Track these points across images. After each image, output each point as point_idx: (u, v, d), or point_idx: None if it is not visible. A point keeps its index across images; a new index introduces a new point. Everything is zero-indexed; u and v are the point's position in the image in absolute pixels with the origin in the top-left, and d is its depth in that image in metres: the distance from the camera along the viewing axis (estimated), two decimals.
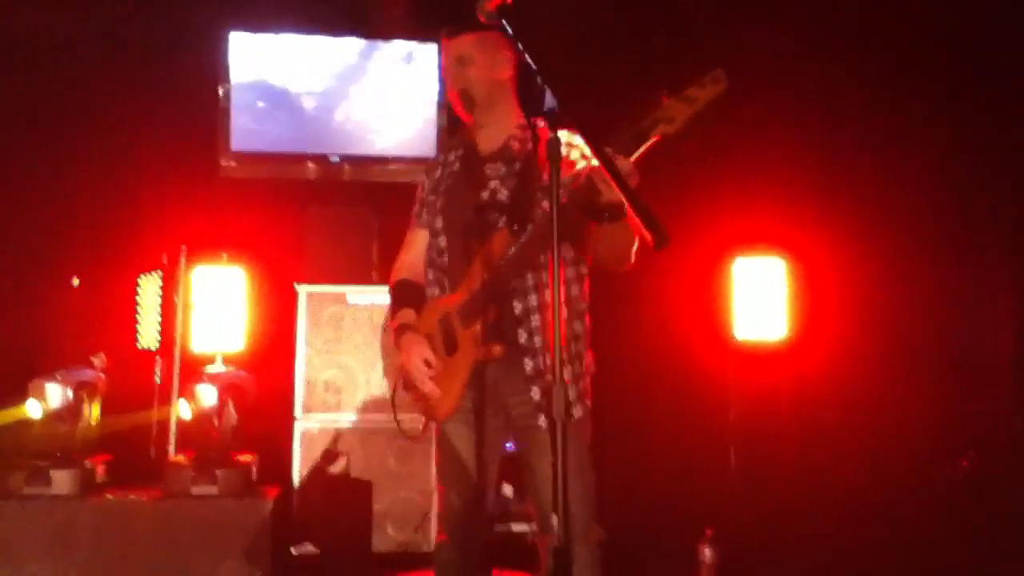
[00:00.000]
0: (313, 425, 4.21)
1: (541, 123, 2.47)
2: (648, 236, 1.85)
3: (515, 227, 2.34)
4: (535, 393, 2.37)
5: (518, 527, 4.19)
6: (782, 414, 4.25)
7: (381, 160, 5.03)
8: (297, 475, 4.12)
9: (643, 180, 2.16)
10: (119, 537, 3.45)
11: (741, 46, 4.51)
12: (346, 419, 4.23)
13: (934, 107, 4.27)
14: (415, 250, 2.64)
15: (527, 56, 2.04)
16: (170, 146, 4.79)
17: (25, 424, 3.65)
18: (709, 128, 2.16)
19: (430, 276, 2.56)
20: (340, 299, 4.37)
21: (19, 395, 3.63)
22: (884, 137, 4.37)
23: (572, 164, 2.41)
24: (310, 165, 4.97)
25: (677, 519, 3.89)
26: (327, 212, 4.99)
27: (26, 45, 4.65)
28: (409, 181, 5.00)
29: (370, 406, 4.25)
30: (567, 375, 2.32)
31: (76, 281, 4.33)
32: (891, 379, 4.00)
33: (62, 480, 3.51)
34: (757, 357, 4.24)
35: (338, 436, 4.19)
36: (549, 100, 2.03)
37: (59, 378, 3.61)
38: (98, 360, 3.96)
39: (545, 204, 2.35)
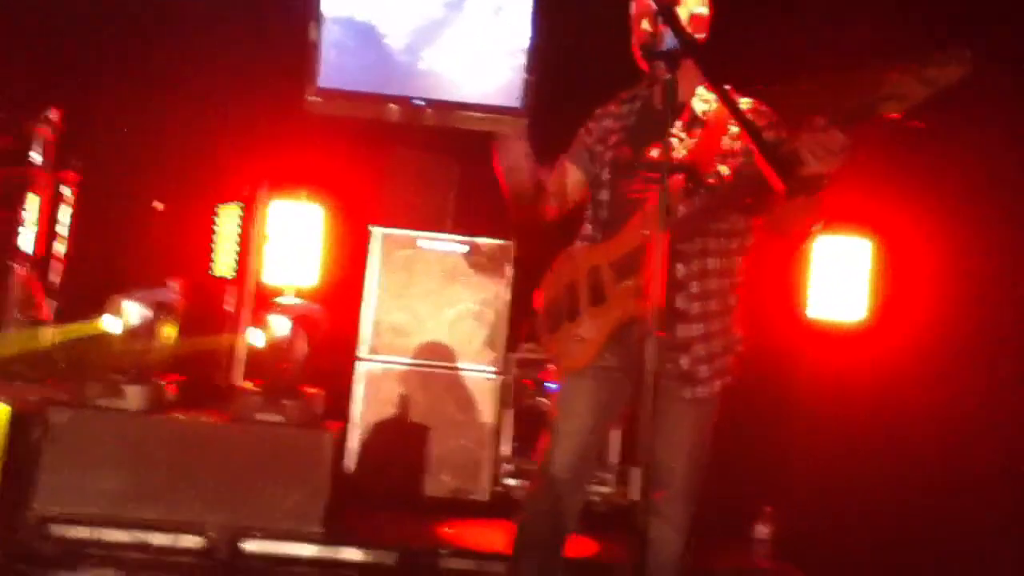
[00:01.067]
0: (377, 366, 4.24)
1: (729, 87, 2.37)
2: (780, 184, 1.81)
3: (689, 188, 2.28)
4: (684, 362, 2.31)
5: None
6: (854, 397, 4.12)
7: (465, 107, 4.97)
8: (358, 413, 4.17)
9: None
10: (185, 455, 3.52)
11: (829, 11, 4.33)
12: (410, 362, 4.25)
13: None
14: (555, 175, 2.57)
15: None
16: (257, 79, 4.81)
17: (103, 338, 3.74)
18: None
19: (585, 227, 2.50)
20: (413, 243, 4.38)
21: (99, 310, 3.73)
22: (981, 109, 4.16)
23: (766, 128, 2.30)
24: (393, 107, 4.94)
25: (738, 496, 3.83)
26: (407, 155, 4.98)
27: None
28: (492, 131, 5.00)
29: (434, 351, 4.27)
30: (715, 347, 2.34)
31: (159, 205, 4.42)
32: (976, 368, 3.85)
33: (134, 395, 3.59)
34: (832, 338, 4.12)
35: (401, 379, 4.22)
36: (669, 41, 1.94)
37: (138, 297, 3.69)
38: (175, 284, 4.03)
39: (723, 169, 2.31)
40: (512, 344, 4.27)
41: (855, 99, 1.91)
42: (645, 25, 2.32)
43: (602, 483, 4.10)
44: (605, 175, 2.45)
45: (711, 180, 2.30)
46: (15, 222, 4.19)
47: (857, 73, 1.95)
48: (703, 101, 2.40)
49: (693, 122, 2.37)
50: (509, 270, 4.31)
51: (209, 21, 4.78)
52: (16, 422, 3.36)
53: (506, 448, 4.21)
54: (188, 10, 4.79)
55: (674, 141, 2.34)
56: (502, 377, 4.25)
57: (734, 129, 2.33)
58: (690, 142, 2.35)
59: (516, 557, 2.47)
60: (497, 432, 4.21)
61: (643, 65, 2.39)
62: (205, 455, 3.52)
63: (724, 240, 2.36)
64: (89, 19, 4.66)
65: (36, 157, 4.23)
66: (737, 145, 2.34)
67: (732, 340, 2.38)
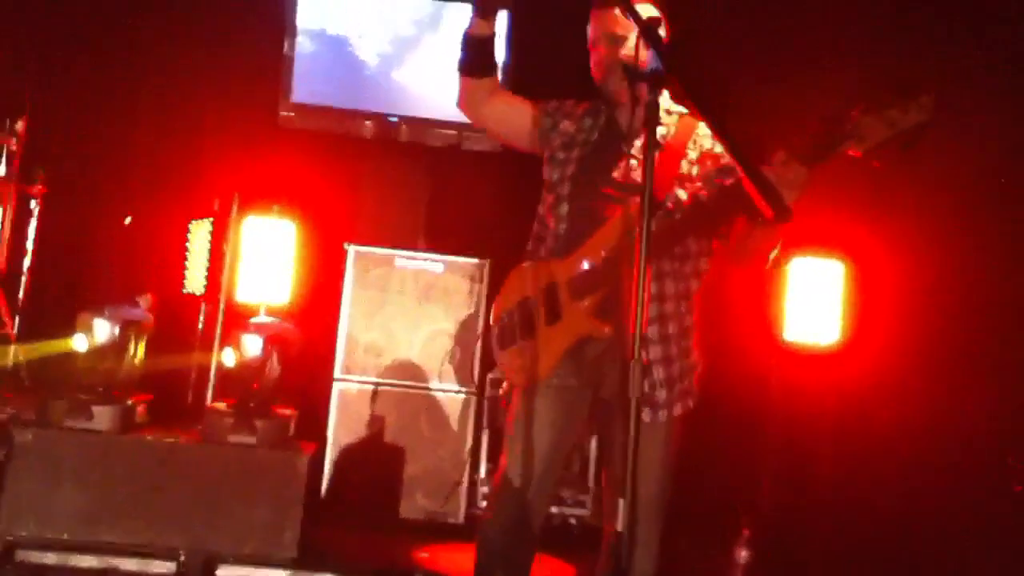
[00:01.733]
0: (351, 386, 4.19)
1: (684, 109, 2.43)
2: (767, 209, 1.81)
3: (646, 212, 2.27)
4: (643, 386, 2.29)
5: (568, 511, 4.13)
6: (827, 419, 4.16)
7: (440, 124, 4.96)
8: (332, 434, 4.12)
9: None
10: (154, 477, 3.44)
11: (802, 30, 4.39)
12: (384, 382, 4.20)
13: (1003, 102, 4.13)
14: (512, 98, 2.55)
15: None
16: (230, 93, 4.77)
17: (71, 357, 3.66)
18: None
19: (542, 237, 2.48)
20: (388, 261, 4.34)
21: (67, 328, 3.64)
22: (954, 134, 4.23)
23: (717, 157, 2.34)
24: (367, 123, 4.92)
25: (713, 515, 3.84)
26: (381, 172, 4.96)
27: None
28: (467, 148, 5.00)
29: (409, 371, 4.23)
30: (674, 370, 2.33)
31: (128, 220, 4.33)
32: (948, 390, 3.90)
33: (102, 416, 3.51)
34: (806, 360, 4.15)
35: (375, 399, 4.17)
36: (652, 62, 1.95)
37: (107, 314, 3.61)
38: (144, 300, 3.95)
39: (681, 193, 2.32)
40: (487, 364, 4.24)
41: (817, 135, 1.94)
42: (629, 46, 2.31)
43: (580, 505, 4.08)
44: (565, 188, 2.43)
45: (669, 204, 2.30)
46: None
47: (830, 112, 1.97)
48: (663, 124, 2.41)
49: (653, 143, 2.38)
50: (484, 289, 4.29)
51: (181, 33, 4.73)
52: None
53: (482, 469, 4.18)
54: (160, 20, 4.73)
55: (632, 163, 2.36)
56: (477, 397, 4.22)
57: (692, 155, 2.36)
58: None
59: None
60: (473, 453, 4.18)
61: (611, 83, 2.39)
62: (175, 477, 3.44)
63: (679, 263, 2.36)
64: (56, 28, 4.58)
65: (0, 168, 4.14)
66: (696, 170, 2.35)
67: (691, 364, 2.38)
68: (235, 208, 4.33)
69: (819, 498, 4.08)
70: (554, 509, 4.05)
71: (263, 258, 4.20)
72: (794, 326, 4.19)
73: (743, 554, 3.41)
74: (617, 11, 2.32)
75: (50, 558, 3.26)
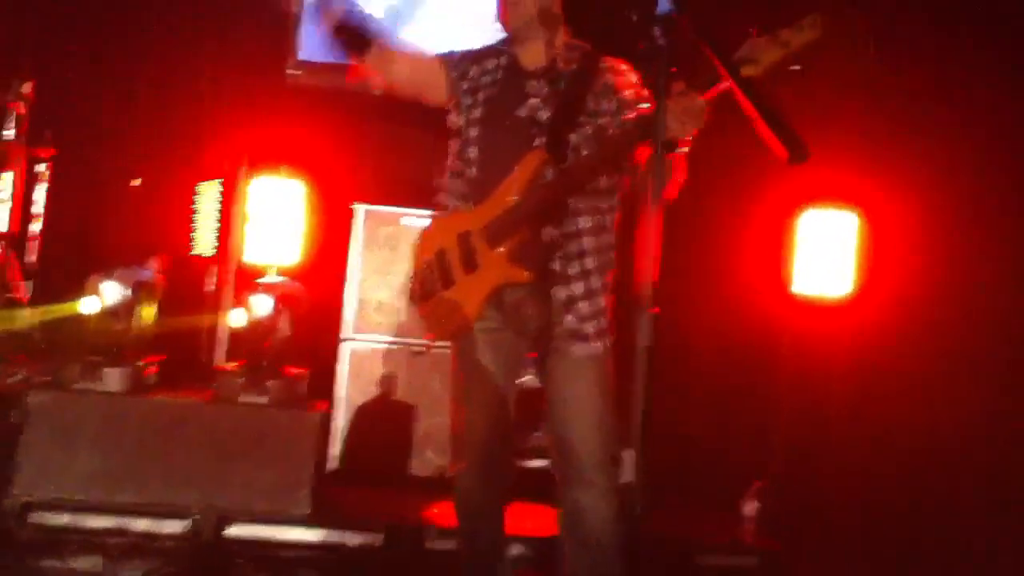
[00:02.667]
0: (361, 345, 4.19)
1: (585, 45, 2.46)
2: (783, 151, 1.80)
3: (555, 150, 2.30)
4: (570, 321, 2.33)
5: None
6: (840, 371, 4.13)
7: None
8: (342, 393, 4.13)
9: (713, 119, 2.09)
10: (165, 437, 3.47)
11: None
12: (394, 341, 4.20)
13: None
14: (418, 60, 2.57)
15: None
16: (237, 52, 4.72)
17: (81, 319, 3.68)
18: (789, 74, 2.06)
19: (453, 186, 2.47)
20: (396, 220, 4.31)
21: (78, 291, 3.66)
22: (972, 83, 4.13)
23: (618, 91, 2.37)
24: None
25: (724, 470, 3.84)
26: (387, 130, 4.91)
27: None
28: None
29: (418, 329, 4.21)
30: (599, 304, 2.36)
31: (137, 181, 4.33)
32: (961, 340, 3.85)
33: (113, 377, 3.54)
34: (818, 312, 4.11)
35: (385, 357, 4.17)
36: (663, 4, 1.92)
37: (116, 276, 3.62)
38: (154, 262, 3.96)
39: (588, 129, 2.33)
40: None
41: (714, 62, 1.93)
42: None
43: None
44: (472, 133, 2.42)
45: (576, 140, 2.32)
46: None
47: (723, 38, 1.96)
48: (563, 60, 2.42)
49: (556, 80, 2.38)
50: None
51: None
52: None
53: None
54: None
55: (536, 101, 2.37)
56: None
57: (598, 89, 2.37)
58: (555, 102, 2.36)
59: (460, 531, 2.52)
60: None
61: (505, 22, 2.44)
62: (187, 437, 3.47)
63: (592, 199, 2.37)
64: None
65: (8, 132, 4.13)
66: (604, 105, 2.37)
67: (607, 303, 2.41)
68: (243, 169, 4.32)
69: (832, 449, 4.07)
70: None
71: (272, 219, 4.18)
72: (806, 278, 4.15)
73: (755, 505, 3.41)
74: None
75: (64, 519, 3.31)
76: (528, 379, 2.54)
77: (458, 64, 2.52)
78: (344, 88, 4.80)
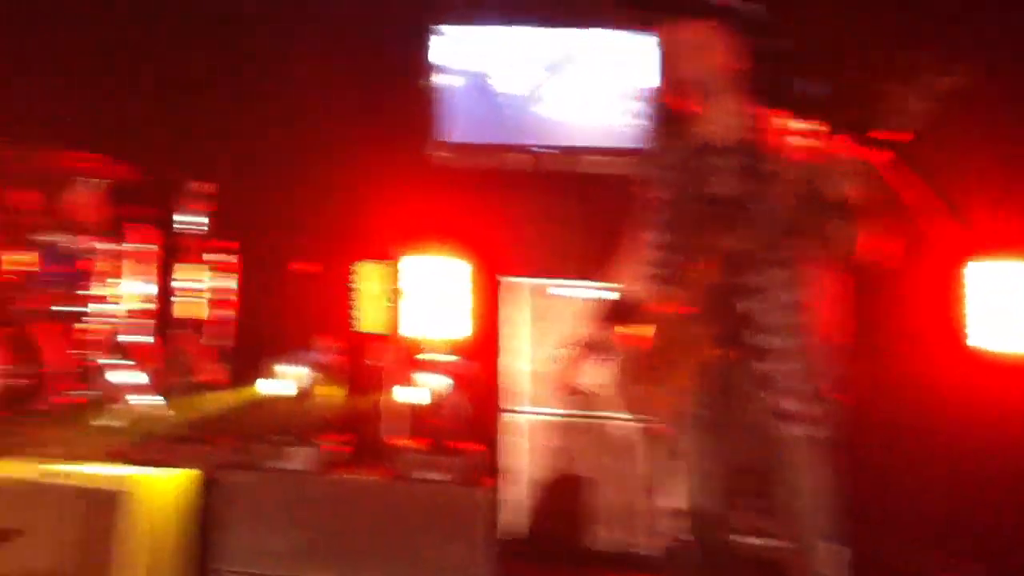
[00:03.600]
0: (530, 418, 4.21)
1: (772, 114, 2.43)
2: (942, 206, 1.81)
3: (744, 222, 2.28)
4: (768, 398, 2.30)
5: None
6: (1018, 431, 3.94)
7: (585, 151, 5.02)
8: (516, 467, 4.17)
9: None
10: (349, 513, 3.59)
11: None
12: (563, 413, 4.22)
13: None
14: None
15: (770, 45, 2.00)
16: (383, 138, 4.95)
17: (267, 400, 3.87)
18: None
19: (651, 271, 2.49)
20: (543, 291, 4.37)
21: (261, 373, 3.86)
22: None
23: (796, 150, 2.32)
24: (516, 155, 5.03)
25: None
26: (531, 202, 5.03)
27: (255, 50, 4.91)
28: (612, 172, 5.01)
29: (586, 401, 4.23)
30: (796, 382, 2.30)
31: (307, 267, 4.56)
32: None
33: (298, 456, 3.70)
34: (996, 368, 3.96)
35: (556, 430, 4.20)
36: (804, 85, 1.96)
37: (296, 358, 3.80)
38: (325, 344, 4.15)
39: (772, 198, 2.29)
40: None
41: (862, 114, 1.96)
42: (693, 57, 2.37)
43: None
44: (664, 217, 2.47)
45: (765, 210, 2.29)
46: (172, 290, 4.40)
47: (864, 89, 1.99)
48: (750, 131, 2.40)
49: (743, 153, 2.38)
50: None
51: (339, 79, 4.93)
52: (199, 485, 3.49)
53: (669, 499, 4.13)
54: (314, 68, 4.95)
55: (725, 175, 2.37)
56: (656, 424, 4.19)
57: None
58: (743, 175, 2.36)
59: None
60: (656, 482, 4.14)
61: (688, 102, 2.43)
62: (369, 513, 3.59)
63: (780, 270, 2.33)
64: (229, 90, 4.88)
65: (197, 229, 4.44)
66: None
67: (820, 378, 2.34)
68: (401, 248, 4.49)
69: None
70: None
71: (436, 296, 4.33)
72: (980, 331, 4.00)
73: None
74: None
75: None
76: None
77: (654, 189, 2.55)
78: (486, 165, 5.00)
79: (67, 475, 3.37)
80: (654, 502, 4.09)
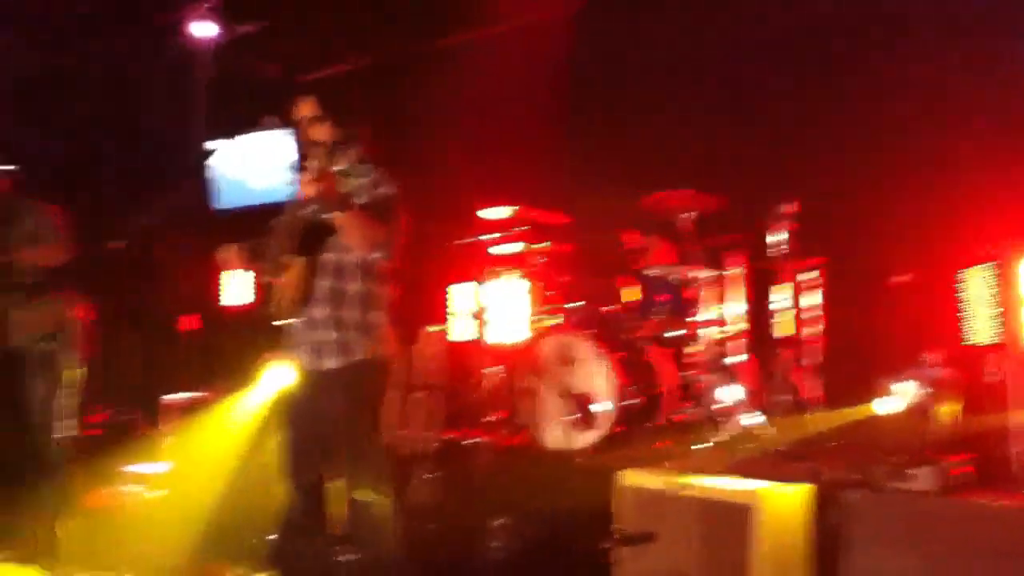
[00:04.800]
0: None
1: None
2: None
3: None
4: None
5: None
6: None
7: None
8: None
9: None
10: (974, 540, 3.27)
11: None
12: None
13: None
14: None
15: None
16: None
17: (868, 420, 3.74)
18: None
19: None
20: None
21: (867, 390, 3.74)
22: None
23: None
24: None
25: None
26: None
27: None
28: None
29: None
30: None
31: (903, 278, 4.34)
32: None
33: (920, 476, 3.50)
34: None
35: None
36: None
37: (910, 375, 3.62)
38: (932, 357, 3.88)
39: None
40: None
41: None
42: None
43: None
44: None
45: None
46: (769, 312, 4.52)
47: None
48: None
49: None
50: None
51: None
52: (815, 502, 3.50)
53: None
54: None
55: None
56: None
57: None
58: None
59: None
60: None
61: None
62: (996, 543, 3.22)
63: None
64: (807, 107, 4.90)
65: (781, 248, 4.53)
66: None
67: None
68: (1012, 248, 4.02)
69: None
70: None
71: None
72: None
73: None
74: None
75: None
76: None
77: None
78: None
79: (689, 486, 3.63)
80: None
